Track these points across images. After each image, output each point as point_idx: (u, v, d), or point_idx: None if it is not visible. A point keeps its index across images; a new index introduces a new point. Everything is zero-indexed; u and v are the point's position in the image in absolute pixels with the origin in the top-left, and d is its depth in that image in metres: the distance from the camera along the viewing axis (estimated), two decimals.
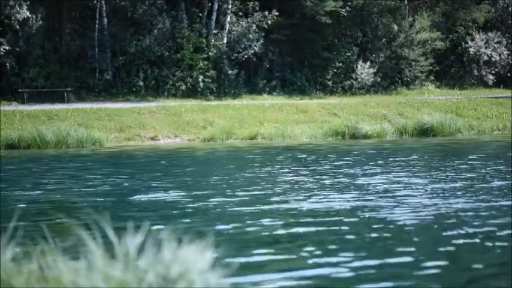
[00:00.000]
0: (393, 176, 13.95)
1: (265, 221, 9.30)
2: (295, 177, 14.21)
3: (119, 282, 3.32)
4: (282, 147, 22.37)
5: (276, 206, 10.68)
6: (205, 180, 14.15)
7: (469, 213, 9.66)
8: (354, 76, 37.33)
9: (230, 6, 35.57)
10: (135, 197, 11.72)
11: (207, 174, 15.21)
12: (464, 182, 12.87)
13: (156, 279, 3.33)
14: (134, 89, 33.59)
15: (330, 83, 37.28)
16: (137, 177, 14.83)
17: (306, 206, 10.60)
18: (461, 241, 7.95)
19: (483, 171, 14.71)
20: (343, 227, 8.94)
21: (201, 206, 10.76)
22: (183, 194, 12.04)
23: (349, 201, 10.97)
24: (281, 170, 15.61)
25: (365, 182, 13.15)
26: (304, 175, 14.61)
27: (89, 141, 23.36)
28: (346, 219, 9.43)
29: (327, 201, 10.96)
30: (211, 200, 11.35)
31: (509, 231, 8.47)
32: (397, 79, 39.13)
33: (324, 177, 14.15)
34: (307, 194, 11.76)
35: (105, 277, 3.33)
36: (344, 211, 10.10)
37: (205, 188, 12.94)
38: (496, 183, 12.74)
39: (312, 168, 16.09)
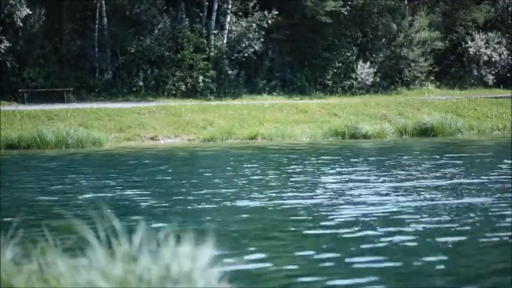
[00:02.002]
0: (356, 175, 14.12)
1: (205, 219, 9.41)
2: (261, 176, 14.40)
3: (118, 280, 3.33)
4: (267, 148, 22.41)
5: (222, 204, 10.81)
6: (169, 180, 14.27)
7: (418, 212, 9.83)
8: (353, 76, 37.32)
9: (230, 6, 35.57)
10: (85, 195, 11.87)
11: (177, 175, 15.33)
12: (428, 181, 13.09)
13: (158, 279, 3.33)
14: (134, 89, 33.59)
15: (329, 83, 37.28)
16: (104, 176, 14.94)
17: (255, 204, 10.79)
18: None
19: (456, 169, 14.89)
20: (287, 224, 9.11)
21: (144, 204, 10.87)
22: (136, 192, 12.20)
23: (297, 198, 11.19)
24: (252, 170, 15.75)
25: (326, 181, 13.35)
26: (271, 174, 14.81)
27: (89, 141, 23.34)
28: (291, 217, 9.63)
29: (273, 200, 11.15)
30: (161, 198, 11.51)
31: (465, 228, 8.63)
32: (397, 79, 39.13)
33: (287, 176, 14.36)
34: (263, 193, 11.92)
35: (104, 275, 3.33)
36: (290, 209, 10.27)
37: (162, 187, 13.08)
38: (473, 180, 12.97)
39: (282, 167, 16.23)
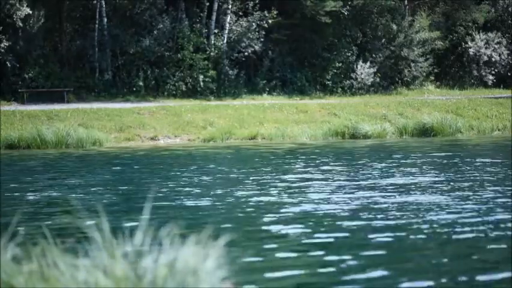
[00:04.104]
0: (321, 175, 14.23)
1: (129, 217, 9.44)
2: (226, 175, 14.53)
3: (119, 279, 3.31)
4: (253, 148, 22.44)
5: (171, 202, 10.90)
6: (127, 180, 14.35)
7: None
8: (353, 76, 37.34)
9: (230, 6, 35.57)
10: (37, 194, 12.07)
11: (142, 175, 15.42)
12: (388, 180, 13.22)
13: (161, 280, 3.32)
14: (134, 89, 33.58)
15: (329, 83, 37.28)
16: (70, 176, 14.99)
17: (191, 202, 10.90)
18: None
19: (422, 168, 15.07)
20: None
21: (85, 201, 10.97)
22: (85, 191, 12.36)
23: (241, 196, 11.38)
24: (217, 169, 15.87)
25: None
26: (236, 173, 14.94)
27: (88, 142, 23.32)
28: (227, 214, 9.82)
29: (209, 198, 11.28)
30: (103, 196, 11.68)
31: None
32: (396, 79, 39.13)
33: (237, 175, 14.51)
34: (209, 191, 12.07)
35: (105, 274, 3.32)
36: (236, 207, 10.41)
37: (116, 186, 13.24)
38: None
39: (250, 167, 16.34)
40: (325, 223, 8.95)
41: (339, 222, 8.93)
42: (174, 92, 33.72)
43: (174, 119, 27.09)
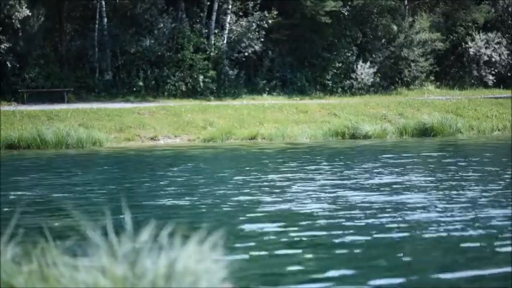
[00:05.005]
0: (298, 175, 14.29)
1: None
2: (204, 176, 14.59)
3: (118, 279, 3.32)
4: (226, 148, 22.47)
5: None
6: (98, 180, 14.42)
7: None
8: (353, 76, 37.34)
9: (230, 6, 35.57)
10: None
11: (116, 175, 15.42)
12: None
13: (160, 279, 3.32)
14: (134, 89, 33.58)
15: (329, 83, 37.28)
16: (45, 177, 15.00)
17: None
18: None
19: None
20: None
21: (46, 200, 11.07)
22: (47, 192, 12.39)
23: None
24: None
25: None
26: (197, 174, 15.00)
27: (88, 142, 23.32)
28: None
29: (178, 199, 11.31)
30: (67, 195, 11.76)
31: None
32: (396, 79, 39.14)
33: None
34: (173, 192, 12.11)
35: (105, 274, 3.32)
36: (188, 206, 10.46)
37: (85, 185, 13.34)
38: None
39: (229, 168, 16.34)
40: (302, 222, 8.97)
41: (316, 221, 8.96)
42: (174, 92, 33.72)
43: (174, 119, 27.09)
